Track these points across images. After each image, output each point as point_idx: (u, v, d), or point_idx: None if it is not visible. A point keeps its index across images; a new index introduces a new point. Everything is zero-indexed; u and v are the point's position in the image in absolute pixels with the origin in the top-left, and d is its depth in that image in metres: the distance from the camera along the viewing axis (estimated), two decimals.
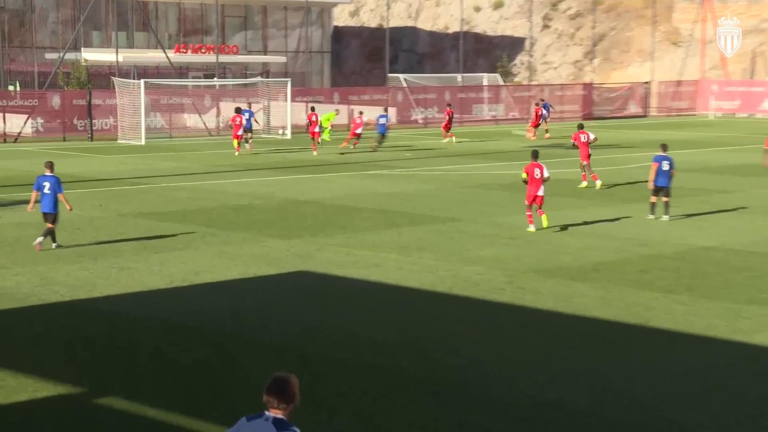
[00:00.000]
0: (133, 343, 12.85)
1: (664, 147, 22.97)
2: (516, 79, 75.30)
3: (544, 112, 46.61)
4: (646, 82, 65.02)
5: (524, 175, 20.99)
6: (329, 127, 44.03)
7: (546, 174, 20.81)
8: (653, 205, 22.60)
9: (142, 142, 42.62)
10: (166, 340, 13.01)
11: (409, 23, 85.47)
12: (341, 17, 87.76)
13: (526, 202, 21.06)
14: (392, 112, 53.36)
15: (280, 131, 47.29)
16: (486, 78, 62.45)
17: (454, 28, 79.24)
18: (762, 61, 68.22)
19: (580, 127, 29.51)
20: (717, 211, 23.64)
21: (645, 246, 19.33)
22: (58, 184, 18.78)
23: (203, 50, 58.96)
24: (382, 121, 39.86)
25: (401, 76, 59.78)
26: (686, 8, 73.02)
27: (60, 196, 18.78)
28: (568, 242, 19.70)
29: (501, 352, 12.50)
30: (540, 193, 20.81)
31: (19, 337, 13.14)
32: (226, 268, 17.32)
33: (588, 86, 62.81)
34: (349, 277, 16.64)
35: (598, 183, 27.76)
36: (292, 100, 47.63)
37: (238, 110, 38.85)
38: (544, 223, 21.00)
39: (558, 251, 18.79)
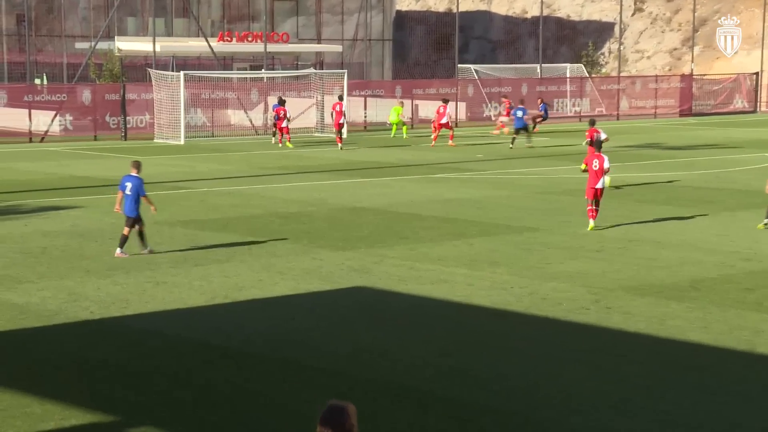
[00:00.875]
0: (170, 367, 12.99)
1: None
2: (603, 70, 74.81)
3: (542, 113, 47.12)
4: (755, 73, 64.11)
5: (583, 166, 22.69)
6: (401, 121, 44.92)
7: (606, 165, 22.30)
8: None
9: (181, 142, 43.14)
10: (207, 364, 13.13)
11: (482, 7, 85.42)
12: (405, 1, 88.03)
13: (587, 197, 22.48)
14: (462, 107, 53.40)
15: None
16: (569, 69, 62.11)
17: (533, 12, 79.03)
18: None
19: (592, 123, 30.27)
20: None
21: (751, 261, 19.07)
22: (141, 186, 19.60)
23: (249, 38, 59.47)
24: (519, 114, 40.95)
25: (472, 66, 59.71)
26: None
27: (143, 199, 19.58)
28: (662, 256, 19.52)
29: (582, 381, 12.40)
30: (599, 185, 22.15)
31: (45, 359, 13.38)
32: (273, 283, 17.44)
33: (687, 78, 62.14)
34: (411, 294, 16.66)
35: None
36: (350, 95, 47.84)
37: (282, 102, 41.56)
38: (590, 227, 22.26)
39: (651, 266, 18.62)
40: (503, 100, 49.88)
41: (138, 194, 19.51)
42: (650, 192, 28.12)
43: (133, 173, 19.73)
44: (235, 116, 49.11)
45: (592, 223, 22.25)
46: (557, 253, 19.88)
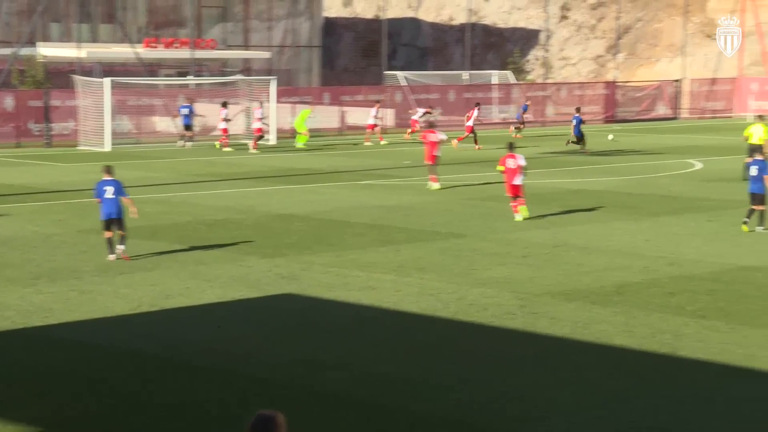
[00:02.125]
0: (96, 378, 12.83)
1: (754, 150, 24.44)
2: (529, 77, 75.48)
3: (521, 114, 47.85)
4: (677, 80, 65.13)
5: (500, 168, 24.78)
6: (306, 131, 43.96)
7: (522, 162, 24.43)
8: (750, 211, 23.06)
9: (107, 149, 42.64)
10: (133, 373, 12.98)
11: (410, 14, 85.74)
12: (332, 8, 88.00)
13: (508, 194, 24.51)
14: (389, 113, 53.52)
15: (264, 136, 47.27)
16: (496, 76, 62.60)
17: (460, 19, 79.50)
18: None
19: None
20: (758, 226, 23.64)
21: (675, 265, 19.35)
22: (121, 188, 19.87)
23: (176, 45, 59.03)
24: (575, 122, 41.08)
25: (400, 73, 59.89)
26: None
27: (126, 200, 19.86)
28: (588, 261, 19.73)
29: (511, 386, 12.48)
30: (517, 182, 24.23)
31: None
32: (200, 290, 17.31)
33: (611, 85, 62.93)
34: (339, 301, 16.64)
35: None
36: (278, 101, 47.68)
37: (225, 104, 42.68)
38: (523, 215, 24.24)
39: (577, 271, 18.81)
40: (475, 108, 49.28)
41: (120, 196, 19.79)
42: (576, 198, 28.41)
43: (107, 177, 19.96)
44: (162, 123, 48.69)
45: (518, 216, 24.16)
46: (484, 259, 19.99)
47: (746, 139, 32.72)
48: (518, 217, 24.16)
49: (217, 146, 42.66)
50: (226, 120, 43.03)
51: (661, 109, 63.59)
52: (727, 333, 14.65)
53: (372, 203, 27.45)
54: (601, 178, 32.70)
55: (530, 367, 13.26)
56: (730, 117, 64.00)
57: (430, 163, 30.36)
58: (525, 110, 48.86)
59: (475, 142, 43.44)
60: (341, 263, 19.52)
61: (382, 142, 45.63)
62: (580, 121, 41.56)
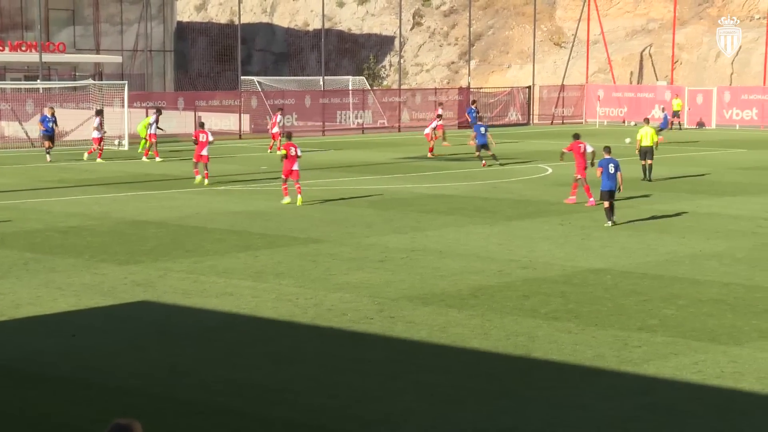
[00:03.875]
0: None
1: (608, 149, 25.53)
2: (384, 83, 76.10)
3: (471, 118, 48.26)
4: (528, 87, 66.56)
5: (283, 152, 28.06)
6: (147, 138, 42.82)
7: (299, 152, 27.95)
8: (607, 210, 24.69)
9: None
10: None
11: (264, 19, 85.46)
12: (186, 12, 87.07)
13: (283, 176, 27.92)
14: (245, 119, 53.27)
15: (116, 142, 46.55)
16: (351, 81, 62.94)
17: (315, 25, 79.62)
18: (650, 65, 70.78)
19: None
20: (606, 229, 24.35)
21: (528, 269, 19.77)
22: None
23: (23, 48, 57.57)
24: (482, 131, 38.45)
25: (255, 78, 59.71)
26: (569, 5, 75.24)
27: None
28: (444, 265, 20.00)
29: (369, 390, 12.57)
30: (295, 167, 27.66)
31: None
32: (53, 299, 16.93)
33: (465, 91, 63.92)
34: (196, 308, 16.49)
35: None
36: (130, 106, 46.95)
37: (99, 112, 41.48)
38: (299, 201, 27.69)
39: (433, 275, 19.04)
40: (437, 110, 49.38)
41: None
42: (432, 202, 28.77)
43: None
44: (9, 128, 47.42)
45: (286, 199, 27.88)
46: (342, 264, 20.08)
47: (639, 142, 34.01)
48: (286, 200, 27.91)
49: (85, 158, 40.49)
50: (99, 128, 40.77)
51: (514, 115, 64.88)
52: (578, 334, 15.05)
53: (230, 209, 27.27)
54: (456, 183, 33.18)
55: (387, 371, 13.38)
56: (580, 123, 65.72)
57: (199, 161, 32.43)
58: (474, 112, 48.31)
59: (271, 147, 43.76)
60: (199, 269, 19.34)
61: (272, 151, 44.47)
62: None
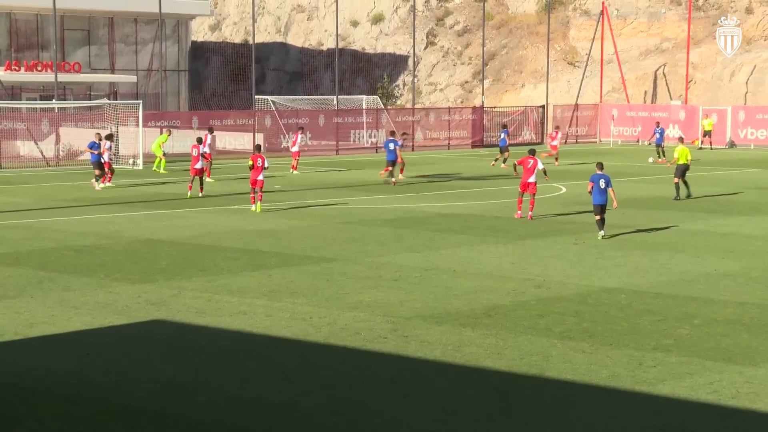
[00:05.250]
0: None
1: (600, 165, 26.26)
2: (398, 102, 76.23)
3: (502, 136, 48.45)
4: (541, 106, 66.55)
5: (250, 163, 30.68)
6: (162, 156, 43.30)
7: (266, 164, 30.66)
8: (598, 222, 25.72)
9: None
10: None
11: (278, 39, 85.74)
12: (200, 31, 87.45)
13: (250, 185, 30.65)
14: (259, 138, 53.37)
15: (131, 161, 46.70)
16: (365, 100, 63.04)
17: (329, 44, 79.88)
18: (664, 84, 70.73)
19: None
20: (620, 248, 24.30)
21: (542, 288, 19.72)
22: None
23: (39, 68, 57.86)
24: (392, 146, 38.78)
25: (270, 98, 59.84)
26: (583, 25, 75.31)
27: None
28: (458, 284, 19.96)
29: (383, 410, 12.54)
30: (260, 177, 30.26)
31: None
32: (67, 318, 16.95)
33: (478, 110, 63.94)
34: (210, 327, 16.48)
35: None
36: (145, 126, 47.12)
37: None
38: (258, 208, 30.25)
39: (447, 294, 19.01)
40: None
41: None
42: (446, 221, 28.75)
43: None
44: (25, 147, 47.63)
45: (253, 207, 30.41)
46: (356, 282, 20.06)
47: (676, 160, 34.40)
48: (254, 207, 30.36)
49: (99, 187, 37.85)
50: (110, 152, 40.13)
51: (527, 134, 64.84)
52: (592, 353, 15.00)
53: (243, 227, 27.30)
54: (469, 202, 33.16)
55: (401, 390, 13.34)
56: (594, 142, 65.66)
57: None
58: (506, 135, 48.23)
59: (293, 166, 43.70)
60: (212, 288, 19.35)
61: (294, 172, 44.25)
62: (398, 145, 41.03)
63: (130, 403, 12.67)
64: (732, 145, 61.61)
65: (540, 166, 29.38)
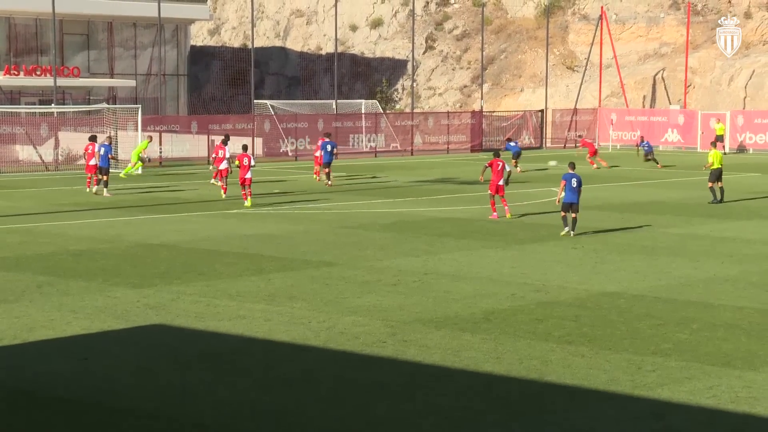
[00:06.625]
0: None
1: (573, 165, 27.38)
2: (397, 107, 76.24)
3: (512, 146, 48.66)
4: (540, 111, 66.57)
5: (236, 162, 32.98)
6: (139, 161, 42.36)
7: (253, 162, 32.82)
8: (564, 219, 26.65)
9: None
10: None
11: (277, 43, 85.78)
12: (199, 36, 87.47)
13: (239, 183, 32.78)
14: (258, 143, 53.41)
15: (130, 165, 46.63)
16: (364, 105, 63.05)
17: (328, 48, 79.88)
18: (663, 89, 70.77)
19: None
20: (620, 253, 24.31)
21: (541, 292, 19.72)
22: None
23: (38, 72, 57.87)
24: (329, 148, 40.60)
25: (268, 102, 59.85)
26: (582, 29, 75.34)
27: None
28: (457, 288, 19.96)
29: (382, 414, 12.54)
30: (248, 175, 32.27)
31: None
32: (66, 322, 16.95)
33: (477, 114, 63.95)
34: (209, 331, 16.49)
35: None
36: (144, 130, 47.13)
37: (93, 138, 37.86)
38: (249, 203, 32.24)
39: (446, 299, 19.01)
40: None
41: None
42: (445, 226, 28.76)
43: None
44: (24, 152, 47.65)
45: (246, 203, 32.29)
46: (354, 287, 20.06)
47: (710, 165, 34.82)
48: (246, 203, 32.23)
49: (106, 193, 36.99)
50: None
51: (526, 139, 64.85)
52: (591, 358, 15.00)
53: (242, 232, 27.30)
54: (468, 207, 33.15)
55: (400, 394, 13.35)
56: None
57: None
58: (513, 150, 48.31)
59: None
60: (211, 293, 19.35)
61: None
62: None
63: (128, 408, 12.66)
64: (743, 149, 61.55)
65: (507, 168, 30.13)
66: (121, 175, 42.18)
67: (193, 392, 13.30)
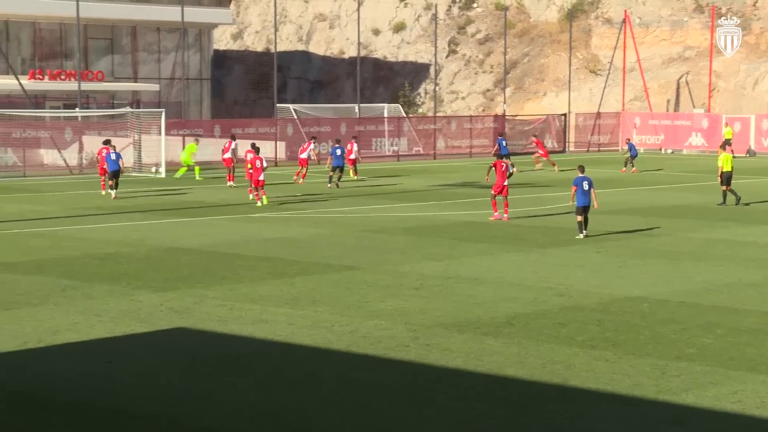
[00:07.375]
0: None
1: (582, 168, 27.68)
2: (420, 110, 76.22)
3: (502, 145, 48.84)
4: (563, 114, 66.41)
5: (249, 165, 34.75)
6: (193, 163, 43.55)
7: (264, 164, 33.82)
8: (580, 224, 26.81)
9: None
10: (20, 413, 12.67)
11: (300, 47, 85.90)
12: (222, 40, 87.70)
13: (253, 185, 34.34)
14: (281, 146, 53.49)
15: (153, 169, 46.87)
16: (387, 109, 63.06)
17: (351, 52, 79.96)
18: (687, 92, 70.46)
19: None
20: (643, 257, 24.21)
21: (564, 296, 19.66)
22: None
23: (63, 76, 58.14)
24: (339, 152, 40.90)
25: (291, 106, 59.94)
26: (605, 33, 75.11)
27: None
28: (479, 293, 19.93)
29: (405, 418, 12.52)
30: (261, 177, 33.51)
31: None
32: (90, 326, 17.01)
33: (500, 118, 63.86)
34: (232, 335, 16.51)
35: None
36: (167, 134, 47.28)
37: (107, 142, 38.24)
38: (265, 200, 33.59)
39: (468, 303, 18.98)
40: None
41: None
42: (467, 230, 28.72)
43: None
44: (49, 156, 47.89)
45: (259, 203, 33.27)
46: (377, 291, 20.06)
47: (721, 168, 34.97)
48: (259, 204, 33.40)
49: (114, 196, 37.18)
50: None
51: (549, 143, 64.69)
52: (615, 363, 14.94)
53: (264, 236, 27.34)
54: (490, 211, 33.08)
55: (422, 398, 13.33)
56: (616, 150, 65.45)
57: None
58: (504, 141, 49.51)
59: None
60: (234, 296, 19.38)
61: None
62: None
63: (152, 412, 12.69)
64: (752, 154, 61.21)
65: (511, 169, 30.69)
66: (175, 176, 43.61)
67: (215, 396, 13.30)
